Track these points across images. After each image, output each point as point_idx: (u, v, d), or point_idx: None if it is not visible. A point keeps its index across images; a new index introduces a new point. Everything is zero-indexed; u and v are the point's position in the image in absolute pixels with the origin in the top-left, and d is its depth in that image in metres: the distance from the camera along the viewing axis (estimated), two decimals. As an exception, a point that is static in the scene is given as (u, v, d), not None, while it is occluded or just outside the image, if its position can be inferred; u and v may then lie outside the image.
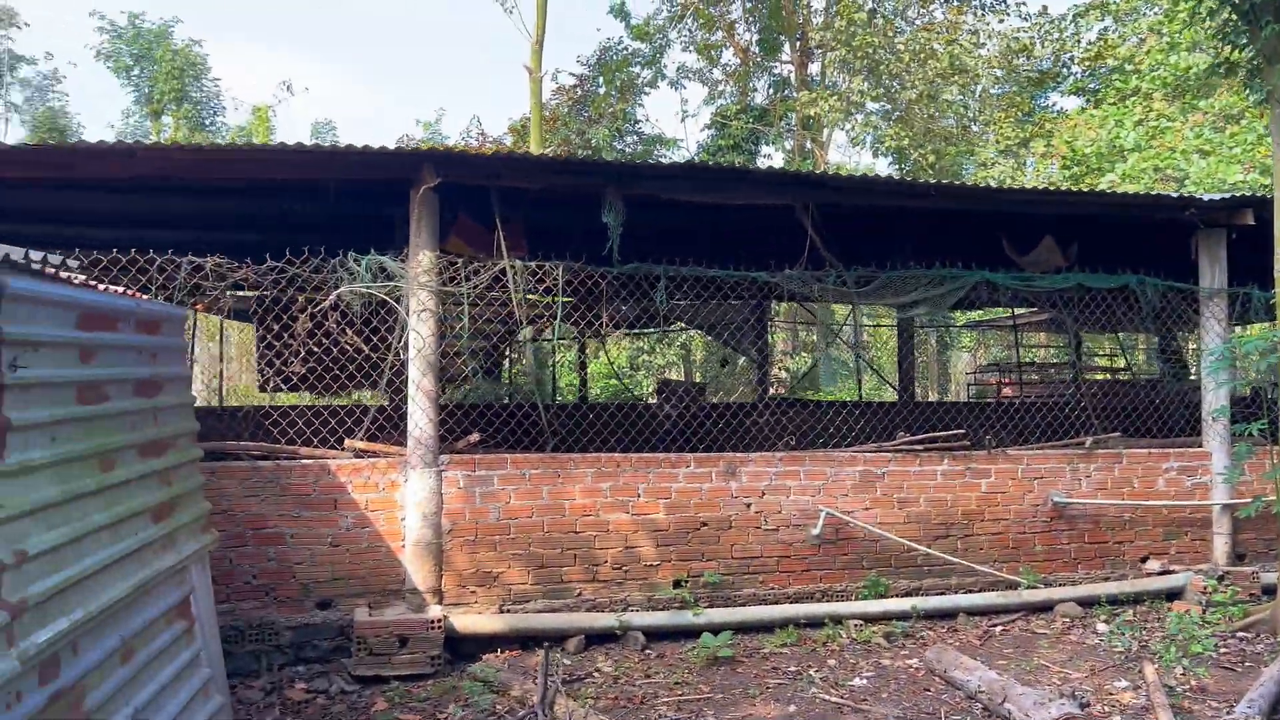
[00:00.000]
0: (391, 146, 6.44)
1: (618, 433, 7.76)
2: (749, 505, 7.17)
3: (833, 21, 17.75)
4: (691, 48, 22.41)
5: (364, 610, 6.26)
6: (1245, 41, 6.84)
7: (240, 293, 7.46)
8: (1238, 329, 14.81)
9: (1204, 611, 7.29)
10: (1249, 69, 7.01)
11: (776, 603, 7.06)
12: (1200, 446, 8.21)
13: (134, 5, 51.04)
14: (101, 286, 4.73)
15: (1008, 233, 9.61)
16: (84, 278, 4.58)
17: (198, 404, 5.51)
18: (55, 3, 54.34)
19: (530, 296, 7.36)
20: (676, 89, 24.80)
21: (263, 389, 8.50)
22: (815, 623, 6.92)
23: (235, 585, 6.21)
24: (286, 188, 7.39)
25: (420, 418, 6.53)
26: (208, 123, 36.57)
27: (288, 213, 8.31)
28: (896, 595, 7.28)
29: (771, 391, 22.75)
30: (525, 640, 6.50)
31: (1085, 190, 8.33)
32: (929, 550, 7.39)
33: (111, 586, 3.52)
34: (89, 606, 3.29)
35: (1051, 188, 9.42)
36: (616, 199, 6.76)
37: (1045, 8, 20.57)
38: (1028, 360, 19.66)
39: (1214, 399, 8.08)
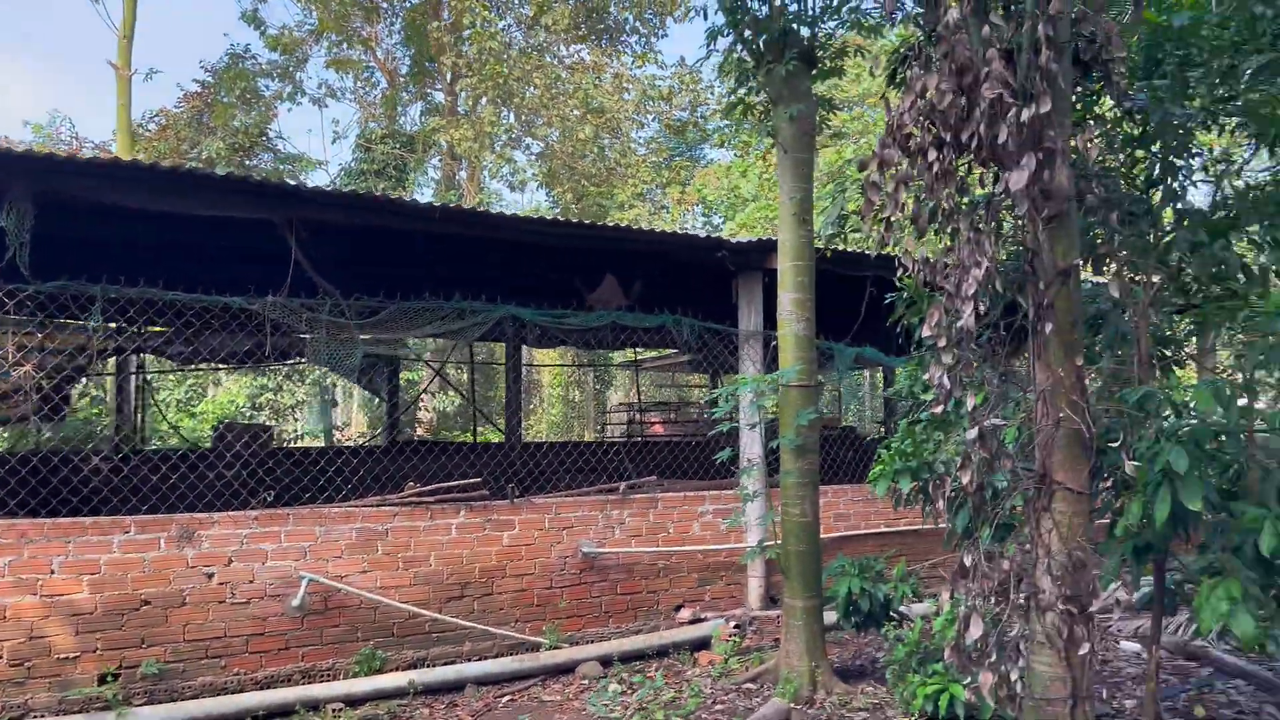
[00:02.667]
0: None
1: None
2: (211, 575, 5.99)
3: (464, 49, 17.21)
4: (333, 65, 20.99)
5: None
6: (755, 83, 6.82)
7: None
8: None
9: (726, 661, 7.10)
10: (763, 109, 7.01)
11: (241, 690, 5.91)
12: (745, 490, 8.16)
13: None
14: None
15: (580, 272, 9.30)
16: None
17: None
18: None
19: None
20: (320, 107, 22.99)
21: None
22: (285, 711, 5.85)
23: None
24: None
25: None
26: None
27: None
28: (398, 669, 6.40)
29: (420, 433, 21.63)
30: None
31: (608, 225, 8.07)
32: (438, 615, 6.60)
33: None
34: None
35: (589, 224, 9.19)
36: (22, 199, 5.41)
37: (683, 58, 21.47)
38: (660, 401, 20.07)
39: (749, 440, 8.06)
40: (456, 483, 7.02)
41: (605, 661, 6.88)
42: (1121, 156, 5.78)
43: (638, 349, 16.10)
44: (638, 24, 19.83)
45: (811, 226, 6.50)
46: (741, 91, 7.00)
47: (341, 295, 6.61)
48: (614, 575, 7.40)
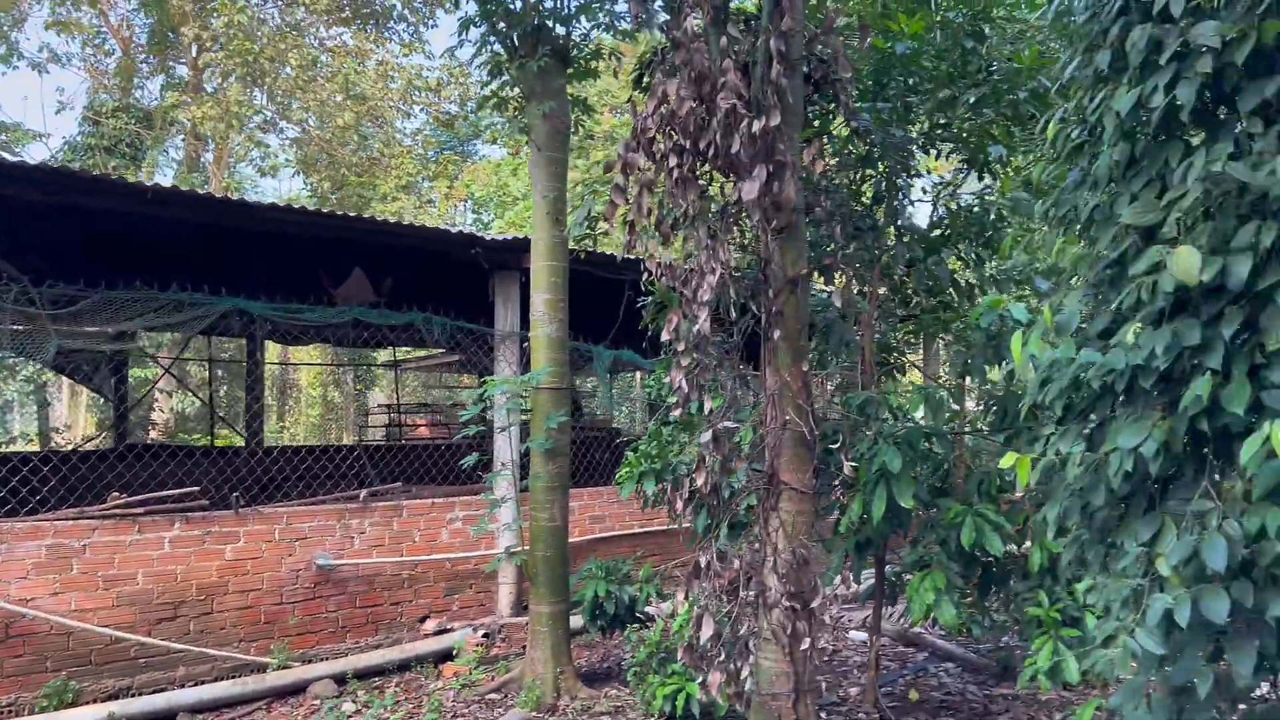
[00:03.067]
0: None
1: None
2: None
3: (210, 21, 15.86)
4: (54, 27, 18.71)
5: None
6: (509, 76, 6.66)
7: None
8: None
9: (472, 671, 6.88)
10: (517, 105, 6.86)
11: (-113, 743, 5.04)
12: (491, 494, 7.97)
13: None
14: None
15: (327, 266, 8.74)
16: None
17: None
18: None
19: None
20: (41, 73, 20.47)
21: None
22: (-55, 763, 5.05)
23: None
24: None
25: None
26: None
27: None
28: (96, 700, 5.69)
29: (154, 435, 19.70)
30: None
31: (347, 214, 7.65)
32: (146, 639, 5.95)
33: None
34: None
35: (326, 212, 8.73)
36: None
37: (453, 50, 20.93)
38: (422, 403, 19.47)
39: (502, 443, 7.89)
40: (170, 492, 6.35)
41: (340, 680, 6.46)
42: (852, 174, 6.14)
43: (404, 348, 15.50)
44: (406, 11, 19.14)
45: (565, 226, 6.43)
46: (495, 85, 6.82)
47: (66, 284, 5.79)
48: (353, 588, 6.99)
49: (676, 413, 4.65)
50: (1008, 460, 3.33)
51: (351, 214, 7.73)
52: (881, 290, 6.48)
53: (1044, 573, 5.10)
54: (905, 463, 4.95)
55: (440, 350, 16.02)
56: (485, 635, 7.40)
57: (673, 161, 4.46)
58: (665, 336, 4.48)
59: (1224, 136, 2.89)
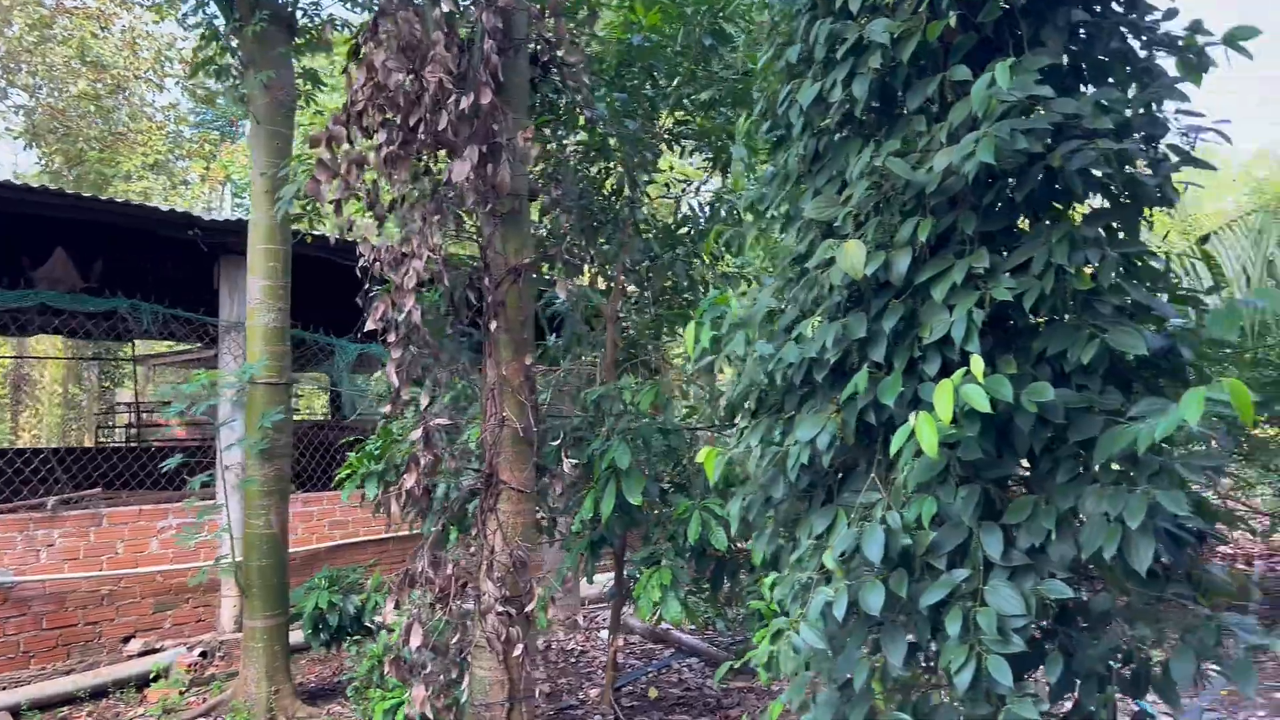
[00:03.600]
0: None
1: None
2: None
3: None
4: None
5: None
6: (226, 42, 6.07)
7: None
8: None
9: (182, 694, 6.23)
10: (238, 73, 6.27)
11: None
12: (213, 499, 7.28)
13: None
14: None
15: (26, 245, 7.71)
16: None
17: None
18: None
19: None
20: None
21: None
22: None
23: None
24: None
25: None
26: None
27: None
28: None
29: None
30: None
31: (26, 186, 6.78)
32: None
33: None
34: None
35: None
36: None
37: (184, 17, 19.36)
38: (166, 400, 17.89)
39: (226, 442, 7.21)
40: None
41: (14, 712, 5.65)
42: (598, 165, 6.02)
43: (168, 342, 14.13)
44: (156, -27, 17.44)
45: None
46: (211, 51, 6.22)
47: None
48: (39, 607, 6.15)
49: (386, 409, 4.33)
50: (702, 455, 3.27)
51: (38, 187, 6.79)
52: (633, 287, 6.43)
53: (765, 565, 5.16)
54: (634, 459, 4.87)
55: (199, 345, 14.74)
56: (203, 654, 6.74)
57: (381, 137, 4.14)
58: (370, 325, 4.15)
59: (897, 133, 2.92)
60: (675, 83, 6.20)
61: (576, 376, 5.98)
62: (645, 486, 4.92)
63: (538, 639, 6.19)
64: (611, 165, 5.74)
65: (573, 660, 7.20)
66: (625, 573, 5.94)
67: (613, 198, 5.83)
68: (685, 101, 6.29)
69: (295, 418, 16.32)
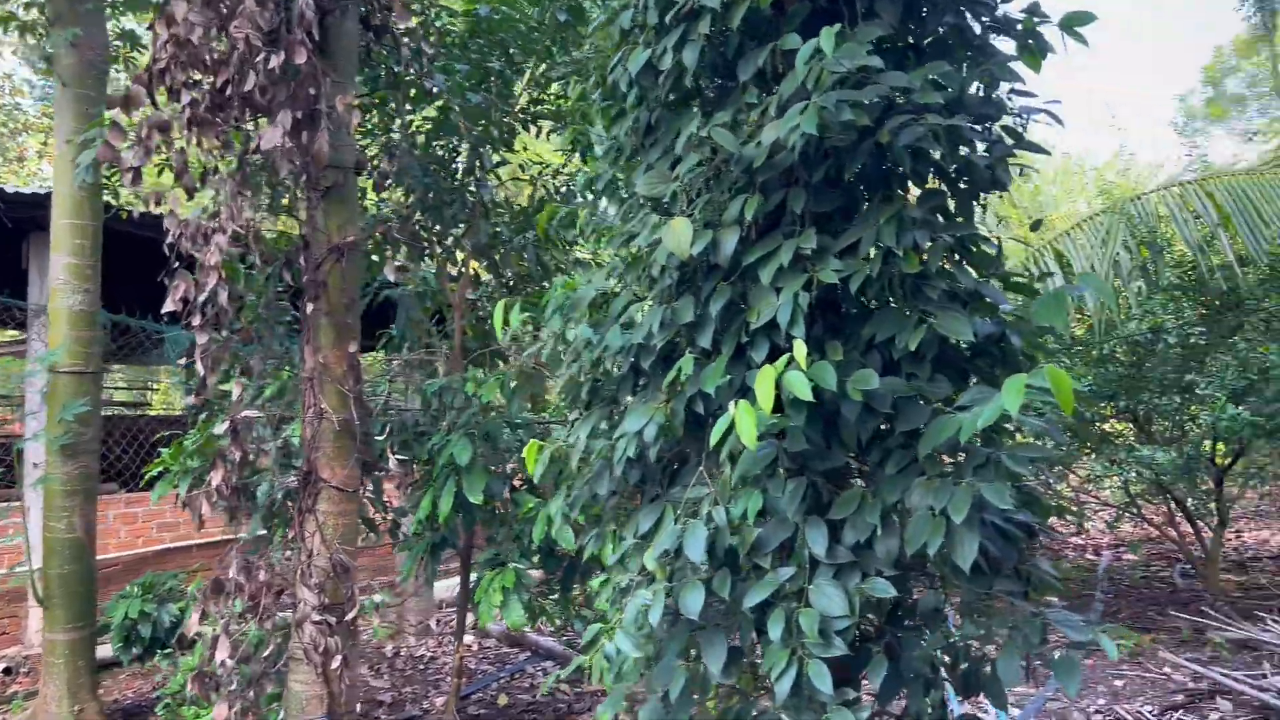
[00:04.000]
0: None
1: None
2: None
3: None
4: None
5: None
6: (30, -4, 5.48)
7: None
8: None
9: (-25, 718, 5.60)
10: (44, 29, 5.67)
11: None
12: (19, 500, 6.60)
13: None
14: None
15: None
16: None
17: None
18: None
19: None
20: None
21: None
22: None
23: None
24: None
25: None
26: None
27: None
28: None
29: None
30: None
31: None
32: None
33: None
34: None
35: None
36: None
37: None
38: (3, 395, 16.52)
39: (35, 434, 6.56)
40: None
41: None
42: (446, 142, 5.69)
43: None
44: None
45: (100, 178, 5.38)
46: (12, 4, 5.60)
47: None
48: None
49: (191, 399, 3.92)
50: (527, 450, 3.02)
51: None
52: (487, 273, 6.11)
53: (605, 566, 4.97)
54: (476, 454, 4.58)
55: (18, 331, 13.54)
56: (6, 670, 6.10)
57: (185, 99, 3.73)
58: (168, 306, 3.73)
59: (730, 105, 2.74)
60: (531, 61, 5.94)
61: (423, 367, 5.64)
62: (489, 484, 4.63)
63: (359, 649, 5.83)
64: (458, 142, 5.42)
65: (421, 667, 6.85)
66: (471, 575, 5.65)
67: (465, 178, 5.51)
68: (542, 80, 6.04)
69: (151, 412, 15.26)
